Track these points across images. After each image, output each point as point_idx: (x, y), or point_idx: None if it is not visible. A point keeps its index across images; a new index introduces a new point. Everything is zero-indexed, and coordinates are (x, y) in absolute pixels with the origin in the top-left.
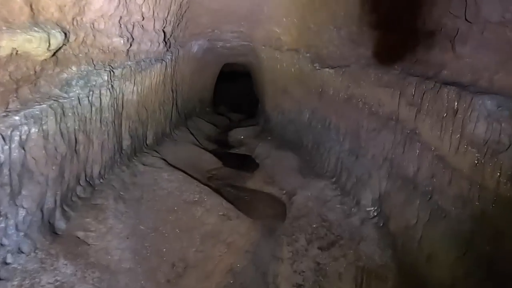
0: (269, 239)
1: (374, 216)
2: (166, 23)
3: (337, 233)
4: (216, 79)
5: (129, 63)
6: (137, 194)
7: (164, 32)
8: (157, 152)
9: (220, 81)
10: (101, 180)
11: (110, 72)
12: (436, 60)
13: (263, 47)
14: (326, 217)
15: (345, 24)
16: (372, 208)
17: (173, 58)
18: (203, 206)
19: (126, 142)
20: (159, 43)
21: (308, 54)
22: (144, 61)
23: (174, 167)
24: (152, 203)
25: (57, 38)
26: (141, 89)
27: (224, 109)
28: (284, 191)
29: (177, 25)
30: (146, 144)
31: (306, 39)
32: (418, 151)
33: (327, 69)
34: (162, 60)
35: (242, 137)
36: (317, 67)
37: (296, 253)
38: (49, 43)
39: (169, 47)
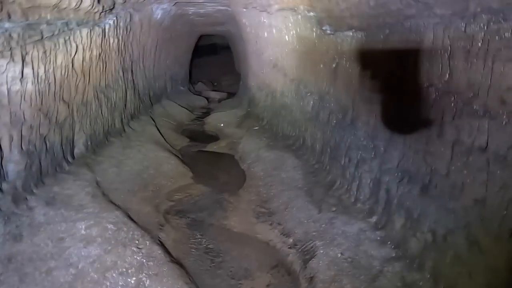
0: None
1: None
2: None
3: None
4: (192, 53)
5: (7, 25)
6: None
7: None
8: (88, 166)
9: (199, 55)
10: None
11: None
12: None
13: (245, 10)
14: None
15: None
16: None
17: (121, 24)
18: None
19: (13, 168)
20: None
21: (312, 13)
22: (49, 24)
23: (107, 199)
24: None
25: None
26: (46, 72)
27: (202, 86)
28: (291, 240)
29: None
30: (71, 157)
31: None
32: None
33: (349, 33)
34: (96, 25)
35: (222, 124)
36: (329, 31)
37: None
38: None
39: (112, 7)
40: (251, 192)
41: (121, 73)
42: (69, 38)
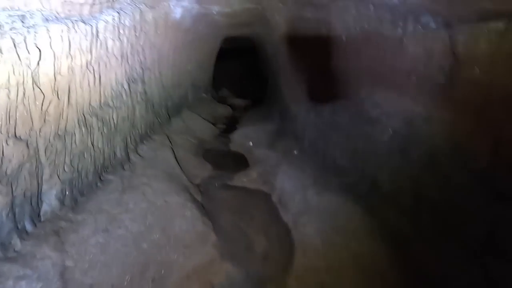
0: None
1: None
2: None
3: None
4: (216, 57)
5: None
6: None
7: None
8: (59, 237)
9: (222, 59)
10: None
11: None
12: None
13: (280, 4)
14: None
15: None
16: None
17: (126, 23)
18: None
19: None
20: None
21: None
22: None
23: None
24: None
25: None
26: None
27: (226, 92)
28: None
29: None
30: (34, 223)
31: None
32: None
33: (483, 26)
34: (81, 22)
35: (251, 143)
36: (433, 25)
37: None
38: None
39: (113, 0)
40: (308, 282)
41: (126, 86)
42: (24, 40)
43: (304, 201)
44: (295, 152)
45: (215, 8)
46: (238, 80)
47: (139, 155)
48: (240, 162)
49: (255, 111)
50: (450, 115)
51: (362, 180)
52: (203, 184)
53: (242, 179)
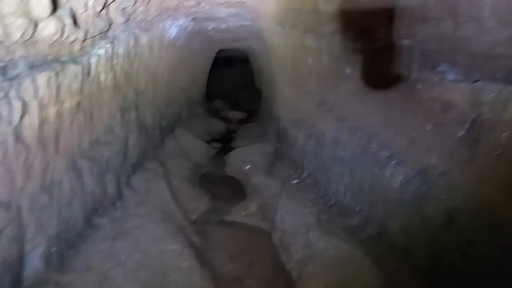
0: None
1: None
2: None
3: None
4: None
5: None
6: None
7: None
8: None
9: (215, 68)
10: None
11: None
12: None
13: (279, 27)
14: None
15: None
16: None
17: (120, 51)
18: None
19: None
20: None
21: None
22: None
23: None
24: None
25: None
26: None
27: (220, 104)
28: None
29: None
30: None
31: None
32: None
33: None
34: (71, 62)
35: (248, 167)
36: (452, 77)
37: None
38: None
39: (107, 30)
40: None
41: (118, 117)
42: (6, 95)
43: (307, 245)
44: (296, 180)
45: (210, 25)
46: (232, 90)
47: (132, 189)
48: (237, 190)
49: (251, 126)
50: (472, 176)
51: (367, 225)
52: (199, 220)
53: (240, 213)
